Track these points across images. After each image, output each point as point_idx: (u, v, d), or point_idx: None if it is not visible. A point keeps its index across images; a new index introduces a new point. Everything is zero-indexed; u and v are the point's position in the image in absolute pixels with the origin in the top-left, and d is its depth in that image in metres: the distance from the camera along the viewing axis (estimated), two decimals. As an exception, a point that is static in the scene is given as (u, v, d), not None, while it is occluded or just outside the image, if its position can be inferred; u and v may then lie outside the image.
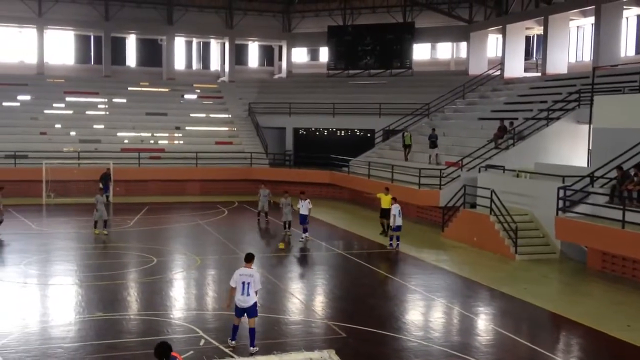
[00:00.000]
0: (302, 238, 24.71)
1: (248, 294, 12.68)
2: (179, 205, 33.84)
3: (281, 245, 23.68)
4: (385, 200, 24.97)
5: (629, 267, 19.15)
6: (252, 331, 12.74)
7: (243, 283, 12.66)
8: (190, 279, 19.03)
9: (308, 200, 25.52)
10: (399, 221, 23.21)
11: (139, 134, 40.84)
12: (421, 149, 33.35)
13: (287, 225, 26.18)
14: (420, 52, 46.76)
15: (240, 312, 12.82)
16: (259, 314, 13.16)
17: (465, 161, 28.20)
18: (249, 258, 13.09)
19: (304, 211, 25.16)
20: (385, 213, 24.58)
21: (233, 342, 12.96)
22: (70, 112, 41.74)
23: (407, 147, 33.80)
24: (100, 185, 33.45)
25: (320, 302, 17.16)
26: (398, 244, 23.35)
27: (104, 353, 12.50)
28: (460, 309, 16.20)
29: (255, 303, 12.89)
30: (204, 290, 18.06)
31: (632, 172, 20.16)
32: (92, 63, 47.51)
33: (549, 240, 22.29)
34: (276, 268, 20.64)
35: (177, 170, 37.57)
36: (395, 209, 23.38)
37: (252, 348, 12.62)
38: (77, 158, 36.44)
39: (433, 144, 31.53)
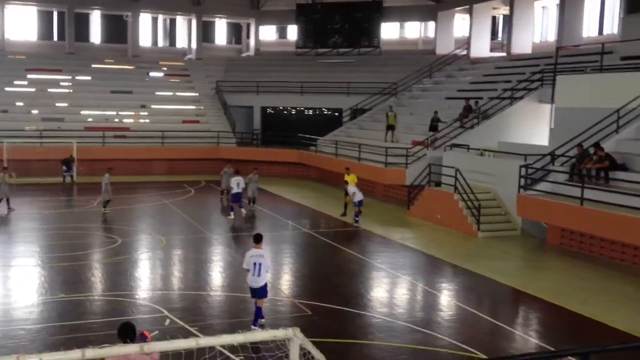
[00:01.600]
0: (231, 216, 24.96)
1: (259, 275, 12.75)
2: (144, 185, 33.59)
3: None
4: (350, 180, 25.18)
5: (587, 243, 19.63)
6: (259, 310, 12.88)
7: (254, 264, 12.71)
8: (156, 259, 18.99)
9: (241, 177, 25.51)
10: (359, 196, 23.72)
11: (103, 113, 40.24)
12: (382, 127, 33.49)
13: (251, 201, 26.87)
14: (389, 31, 46.78)
15: (253, 292, 12.95)
16: (226, 293, 13.22)
17: (431, 140, 28.44)
18: (258, 239, 13.03)
19: (237, 189, 25.02)
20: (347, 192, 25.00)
21: (263, 320, 13.00)
22: (32, 89, 40.94)
23: (390, 127, 32.74)
24: (63, 167, 33.09)
25: (286, 281, 17.29)
26: (358, 220, 23.88)
27: (67, 334, 12.45)
28: (424, 286, 16.49)
29: (266, 284, 12.98)
30: (170, 271, 18.05)
31: (591, 151, 20.57)
32: (55, 39, 46.55)
33: (511, 217, 22.71)
34: (242, 247, 20.63)
35: (142, 150, 37.20)
36: (352, 189, 24.13)
37: (253, 326, 12.66)
38: (40, 137, 35.85)
39: (434, 127, 29.40)
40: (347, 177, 25.52)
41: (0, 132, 34.72)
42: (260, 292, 12.88)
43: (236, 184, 25.05)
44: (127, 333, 7.86)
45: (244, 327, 12.54)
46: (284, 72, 43.62)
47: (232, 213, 25.10)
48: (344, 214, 25.32)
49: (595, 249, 19.34)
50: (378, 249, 21.01)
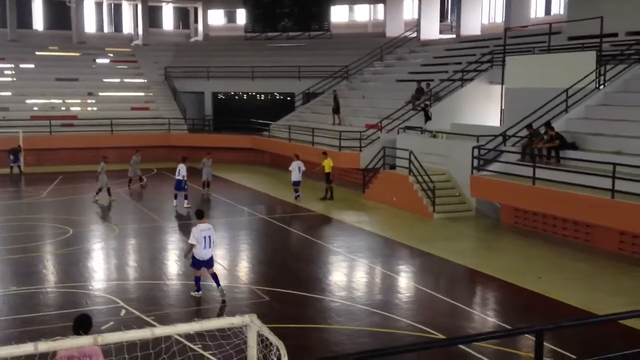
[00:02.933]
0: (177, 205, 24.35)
1: (210, 246, 13.70)
2: (94, 174, 32.77)
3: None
4: (327, 164, 25.29)
5: (540, 222, 19.98)
6: (215, 275, 13.84)
7: (205, 237, 13.55)
8: (109, 249, 18.60)
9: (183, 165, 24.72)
10: (296, 176, 25.38)
11: (49, 101, 39.17)
12: (342, 112, 33.45)
13: (205, 185, 26.97)
14: (338, 14, 46.69)
15: (199, 264, 13.74)
16: (182, 281, 13.04)
17: (385, 123, 28.53)
18: (202, 214, 14.12)
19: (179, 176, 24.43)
20: (328, 177, 25.63)
21: (200, 292, 13.86)
22: (-26, 78, 39.60)
23: (336, 110, 32.79)
24: (11, 157, 32.16)
25: (243, 267, 17.16)
26: (298, 196, 25.29)
27: (20, 327, 12.09)
28: (382, 268, 16.55)
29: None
30: (124, 260, 17.70)
31: (542, 130, 20.91)
32: (-4, 27, 45.05)
33: (465, 198, 22.96)
34: (198, 235, 20.41)
35: (91, 138, 36.35)
36: (295, 165, 25.47)
37: (220, 287, 13.72)
38: (-16, 127, 34.73)
39: (428, 117, 27.94)
40: (324, 162, 25.54)
41: (-60, 123, 33.49)
42: (210, 262, 13.85)
43: (177, 171, 24.45)
44: (82, 325, 7.63)
45: (200, 315, 12.40)
46: (234, 57, 43.11)
47: (175, 201, 24.53)
48: (325, 198, 25.47)
49: (548, 228, 19.71)
50: (334, 232, 21.01)
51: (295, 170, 25.61)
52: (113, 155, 35.65)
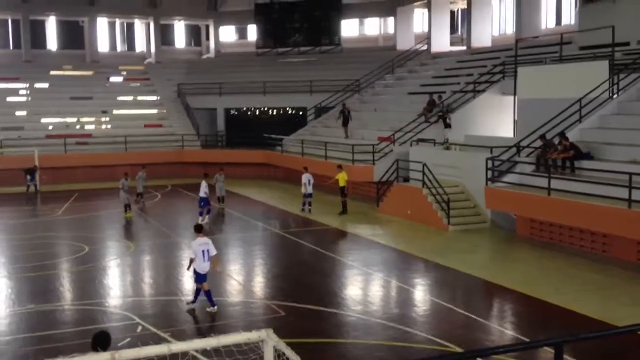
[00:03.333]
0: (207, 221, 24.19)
1: (208, 260, 14.01)
2: (109, 191, 32.93)
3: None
4: (341, 178, 25.35)
5: (556, 233, 19.84)
6: (198, 292, 14.09)
7: (203, 252, 13.89)
8: (125, 266, 18.67)
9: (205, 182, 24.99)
10: (309, 189, 25.49)
11: (64, 120, 39.56)
12: (354, 125, 33.55)
13: (220, 200, 27.15)
14: (349, 28, 46.86)
15: (204, 277, 13.99)
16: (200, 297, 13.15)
17: (397, 136, 28.53)
18: (200, 229, 14.50)
19: (202, 194, 24.60)
20: (342, 191, 25.61)
21: (215, 307, 13.94)
22: (-10, 99, 40.05)
23: (345, 123, 33.03)
24: (27, 177, 32.38)
25: (258, 282, 17.15)
26: (310, 209, 25.63)
27: (38, 345, 12.15)
28: (397, 282, 16.48)
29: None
30: (140, 277, 17.76)
31: (556, 141, 20.81)
32: (11, 48, 45.57)
33: (480, 210, 22.86)
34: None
35: (105, 156, 36.63)
36: (306, 177, 25.61)
37: (193, 303, 14.05)
38: (0, 146, 35.03)
39: (447, 124, 27.48)
40: (338, 175, 25.60)
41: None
42: (205, 277, 14.08)
43: (201, 188, 24.63)
44: (100, 342, 7.66)
45: (217, 331, 12.39)
46: (246, 72, 43.35)
47: (200, 218, 24.41)
48: (343, 212, 25.38)
49: (564, 239, 19.56)
50: (349, 246, 20.98)
51: (307, 182, 25.87)
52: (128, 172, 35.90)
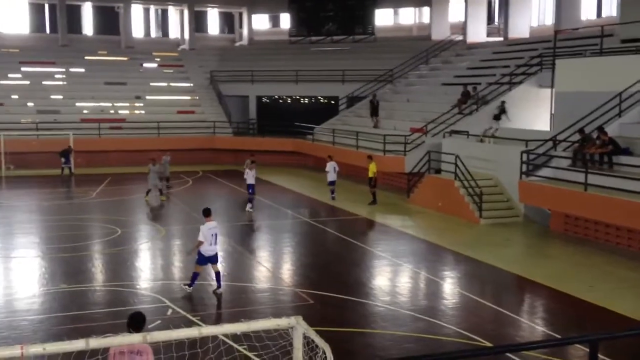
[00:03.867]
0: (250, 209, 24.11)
1: (216, 244, 14.27)
2: (141, 176, 33.22)
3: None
4: (371, 169, 25.23)
5: (591, 229, 19.49)
6: (219, 274, 14.32)
7: (212, 235, 14.11)
8: (156, 249, 18.83)
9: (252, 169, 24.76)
10: (332, 177, 26.07)
11: (98, 104, 39.98)
12: (380, 115, 33.37)
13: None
14: (383, 17, 46.51)
15: (206, 260, 14.20)
16: (227, 282, 13.16)
17: (430, 127, 28.27)
18: (209, 212, 14.60)
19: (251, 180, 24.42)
20: (370, 181, 25.41)
21: (192, 288, 14.18)
22: (27, 82, 40.59)
23: (374, 113, 33.24)
24: (62, 159, 32.87)
25: (287, 270, 17.15)
26: (334, 197, 26.04)
27: (70, 325, 12.32)
28: (427, 274, 16.34)
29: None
30: (170, 260, 17.89)
31: (594, 135, 20.41)
32: (48, 32, 46.19)
33: (513, 204, 22.55)
34: (243, 237, 20.55)
35: (138, 141, 36.93)
36: (330, 166, 26.15)
37: (219, 289, 14.18)
38: (36, 129, 35.58)
39: (497, 116, 26.79)
40: (369, 166, 25.45)
41: (-4, 125, 34.48)
42: (215, 258, 14.38)
43: (250, 175, 24.40)
44: (135, 322, 7.71)
45: (246, 316, 12.40)
46: (279, 60, 43.30)
47: (249, 205, 24.15)
48: (373, 203, 25.23)
49: (600, 235, 19.21)
50: (379, 237, 20.88)
51: (331, 170, 26.21)
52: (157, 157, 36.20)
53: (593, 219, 19.15)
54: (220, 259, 17.90)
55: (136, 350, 7.13)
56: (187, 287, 14.19)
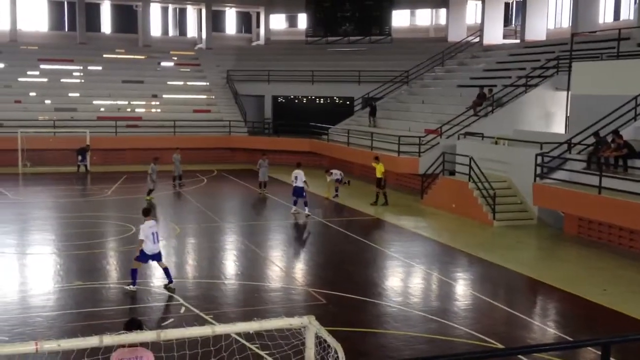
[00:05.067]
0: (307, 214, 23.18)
1: (158, 241, 14.44)
2: (157, 174, 33.54)
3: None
4: (378, 169, 25.19)
5: (605, 232, 19.41)
6: (167, 270, 14.54)
7: (153, 233, 14.32)
8: (170, 248, 18.94)
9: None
10: (337, 175, 26.83)
11: (115, 102, 40.29)
12: (395, 116, 33.42)
13: (262, 185, 27.52)
14: (400, 18, 46.46)
15: (147, 258, 14.43)
16: (240, 281, 13.20)
17: (445, 129, 28.24)
18: (148, 212, 14.99)
19: (297, 183, 23.32)
20: (379, 182, 25.34)
21: (135, 287, 14.23)
22: (45, 79, 41.02)
23: (373, 113, 34.96)
24: (79, 157, 33.12)
25: (300, 270, 17.22)
26: (337, 195, 26.64)
27: (84, 321, 12.45)
28: (439, 275, 16.35)
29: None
30: (184, 259, 18.03)
31: (609, 138, 20.31)
32: (66, 30, 46.62)
33: (527, 206, 22.49)
34: (256, 236, 20.63)
35: (154, 139, 37.16)
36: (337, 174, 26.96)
37: (171, 283, 14.39)
38: (53, 127, 35.91)
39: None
40: (376, 166, 25.50)
41: (14, 122, 34.87)
42: (159, 256, 14.57)
43: (295, 177, 23.39)
44: (136, 328, 7.73)
45: (258, 315, 12.48)
46: (295, 60, 43.41)
47: (293, 207, 23.51)
48: (375, 203, 25.32)
49: (613, 239, 19.13)
50: (391, 237, 20.90)
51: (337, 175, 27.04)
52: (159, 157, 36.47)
53: (607, 222, 19.08)
54: (233, 257, 18.14)
55: (138, 356, 7.21)
56: (130, 287, 14.17)
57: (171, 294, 14.14)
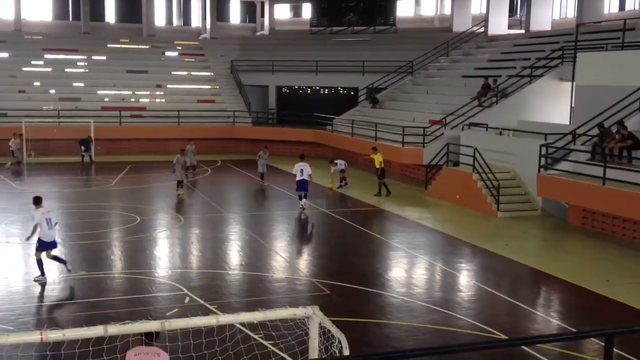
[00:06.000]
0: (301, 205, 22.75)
1: (52, 227, 14.32)
2: (161, 164, 33.55)
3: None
4: (376, 160, 25.19)
5: (609, 223, 19.39)
6: (57, 258, 14.54)
7: (46, 219, 14.20)
8: (174, 238, 19.02)
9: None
10: (341, 165, 27.05)
11: (119, 92, 40.31)
12: (399, 106, 33.33)
13: (262, 177, 27.62)
14: (404, 8, 46.33)
15: (45, 246, 14.25)
16: (244, 272, 13.24)
17: (449, 119, 28.19)
18: (39, 201, 14.60)
19: (301, 176, 22.56)
20: (380, 173, 25.34)
21: (45, 277, 14.10)
22: (49, 69, 41.03)
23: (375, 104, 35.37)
24: (82, 147, 33.21)
25: (304, 260, 17.26)
26: (346, 183, 26.99)
27: (88, 311, 12.51)
28: (443, 266, 16.38)
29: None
30: (188, 249, 18.08)
31: (614, 129, 20.26)
32: (71, 19, 46.62)
33: (531, 197, 22.47)
34: (260, 227, 20.68)
35: (158, 129, 37.22)
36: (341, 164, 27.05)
37: (69, 270, 14.47)
38: (57, 117, 35.97)
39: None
40: (374, 157, 25.46)
41: (18, 112, 34.92)
42: (54, 244, 14.54)
43: (300, 170, 22.63)
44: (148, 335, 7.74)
45: (262, 305, 12.54)
46: (299, 51, 43.31)
47: (300, 202, 22.55)
48: (379, 194, 25.30)
49: (617, 230, 19.11)
50: (396, 228, 20.92)
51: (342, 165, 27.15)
52: (178, 146, 36.55)
53: (611, 213, 19.06)
54: (237, 247, 18.18)
55: (155, 352, 7.16)
56: (40, 278, 14.06)
57: (175, 284, 14.19)
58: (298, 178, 22.57)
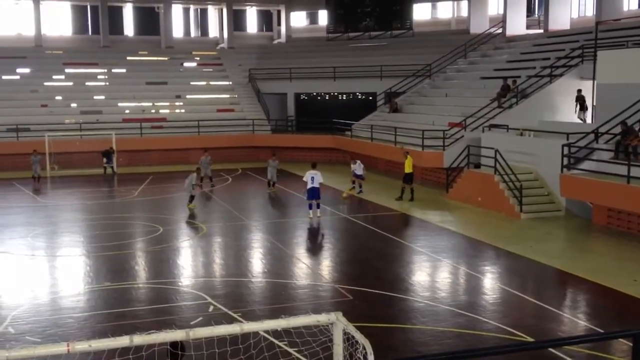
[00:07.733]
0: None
1: None
2: (182, 174, 33.62)
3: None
4: (407, 164, 25.17)
5: (635, 223, 19.14)
6: None
7: None
8: (197, 247, 19.11)
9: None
10: (359, 170, 26.85)
11: (140, 104, 40.66)
12: (418, 110, 33.23)
13: (270, 184, 27.81)
14: (421, 12, 46.20)
15: None
16: (267, 279, 13.24)
17: (469, 121, 28.04)
18: None
19: (313, 184, 22.36)
20: (407, 178, 25.27)
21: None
22: (70, 83, 41.54)
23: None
24: (104, 159, 33.52)
25: (326, 266, 17.23)
26: (361, 191, 26.83)
27: (114, 322, 12.60)
28: (466, 269, 16.27)
29: None
30: (211, 258, 18.15)
31: (637, 127, 20.02)
32: (90, 33, 47.12)
33: (554, 197, 22.26)
34: (282, 234, 20.69)
35: (179, 139, 37.49)
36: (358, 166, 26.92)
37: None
38: (79, 130, 36.36)
39: (582, 105, 26.86)
40: (406, 161, 25.42)
41: (41, 126, 35.35)
42: None
43: (311, 178, 22.39)
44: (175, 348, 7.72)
45: (286, 313, 12.54)
46: (316, 57, 43.41)
47: (311, 212, 22.44)
48: (400, 198, 25.19)
49: (643, 228, 18.87)
50: (417, 232, 20.82)
51: (359, 166, 27.05)
52: (198, 156, 36.71)
53: (636, 212, 18.80)
54: (259, 255, 18.20)
55: None
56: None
57: (199, 293, 14.25)
58: (309, 186, 22.34)
